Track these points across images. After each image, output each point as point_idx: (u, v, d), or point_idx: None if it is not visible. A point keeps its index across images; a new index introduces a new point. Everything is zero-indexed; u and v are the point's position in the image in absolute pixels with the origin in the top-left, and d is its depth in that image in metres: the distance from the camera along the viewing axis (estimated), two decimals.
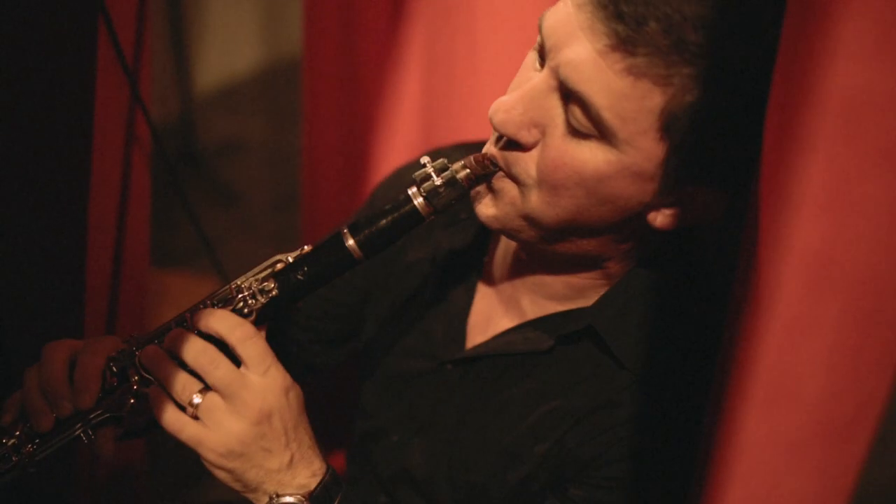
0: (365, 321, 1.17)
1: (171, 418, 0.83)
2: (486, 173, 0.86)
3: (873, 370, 0.51)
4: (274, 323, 1.13)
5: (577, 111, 0.78)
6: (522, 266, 0.99)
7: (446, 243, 1.07)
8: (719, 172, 0.80)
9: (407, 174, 1.14)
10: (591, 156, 0.79)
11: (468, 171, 0.85)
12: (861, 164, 0.47)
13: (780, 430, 0.52)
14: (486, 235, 1.05)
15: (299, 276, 0.86)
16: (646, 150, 0.78)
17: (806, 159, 0.47)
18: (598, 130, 0.78)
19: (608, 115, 0.76)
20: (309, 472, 0.87)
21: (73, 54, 1.07)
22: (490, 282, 1.04)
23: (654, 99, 0.75)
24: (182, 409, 0.84)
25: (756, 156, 0.70)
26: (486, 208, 0.89)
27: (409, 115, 1.64)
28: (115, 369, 0.87)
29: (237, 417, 0.82)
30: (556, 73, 0.79)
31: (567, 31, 0.77)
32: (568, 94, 0.79)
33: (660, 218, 0.84)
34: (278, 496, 0.85)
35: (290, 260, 0.88)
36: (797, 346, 0.50)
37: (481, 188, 0.89)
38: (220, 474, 0.84)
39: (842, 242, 0.48)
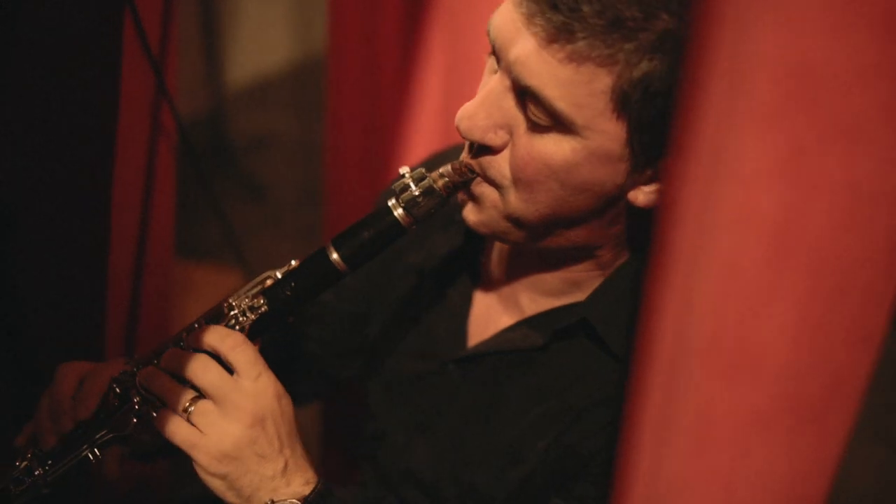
0: (368, 325, 1.17)
1: (166, 423, 0.84)
2: (463, 180, 0.87)
3: (842, 345, 0.50)
4: (287, 342, 1.15)
5: (533, 106, 0.79)
6: (518, 264, 1.00)
7: (444, 245, 1.08)
8: None
9: (444, 158, 1.14)
10: (556, 147, 0.80)
11: (446, 179, 0.86)
12: (818, 137, 0.47)
13: (742, 404, 0.51)
14: (481, 235, 1.06)
15: (287, 292, 0.88)
16: (607, 132, 0.79)
17: (761, 130, 0.47)
18: (557, 121, 0.79)
19: (562, 105, 0.77)
20: (303, 480, 0.87)
21: (98, 44, 1.08)
22: (488, 281, 1.05)
23: (602, 80, 0.76)
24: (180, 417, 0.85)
25: None
26: (470, 215, 0.91)
27: (431, 113, 1.66)
28: (118, 390, 0.90)
29: (230, 420, 0.83)
30: (508, 72, 0.81)
31: (511, 30, 0.79)
32: (523, 92, 0.80)
33: (641, 196, 0.85)
34: (273, 503, 0.85)
35: (279, 276, 0.90)
36: (759, 318, 0.50)
37: (465, 196, 0.90)
38: (215, 482, 0.84)
39: (802, 214, 0.48)
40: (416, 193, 0.86)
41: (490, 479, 0.98)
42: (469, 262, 1.06)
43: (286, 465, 0.85)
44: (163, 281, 1.40)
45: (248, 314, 0.88)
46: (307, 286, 0.89)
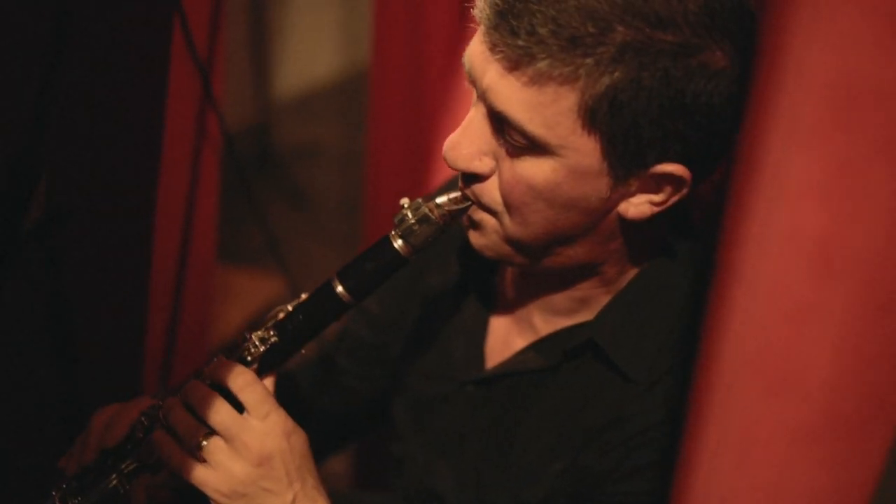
0: (389, 349, 1.19)
1: (179, 461, 0.87)
2: (460, 209, 0.89)
3: (885, 361, 0.49)
4: (325, 379, 1.17)
5: (510, 131, 0.81)
6: (528, 284, 1.01)
7: (460, 267, 1.10)
8: (666, 147, 0.80)
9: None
10: (536, 169, 0.82)
11: (443, 208, 0.89)
12: (861, 152, 0.46)
13: (785, 422, 0.51)
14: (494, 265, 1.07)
15: (296, 324, 0.92)
16: (581, 149, 0.80)
17: (804, 147, 0.46)
18: (533, 143, 0.80)
19: (532, 128, 0.79)
20: None
21: (147, 51, 1.10)
22: (504, 302, 1.06)
23: (567, 98, 0.77)
24: (192, 453, 0.88)
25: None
26: (475, 240, 0.93)
27: None
28: (145, 422, 0.93)
29: (238, 459, 0.86)
30: (483, 100, 0.83)
31: (480, 61, 0.81)
32: (498, 118, 0.82)
33: (631, 209, 0.85)
34: None
35: (290, 309, 0.93)
36: (801, 336, 0.49)
37: (467, 223, 0.93)
38: None
39: (844, 231, 0.47)
40: (413, 222, 0.88)
41: (509, 501, 0.98)
42: (484, 283, 1.08)
43: (294, 499, 0.87)
44: (204, 284, 1.42)
45: (259, 346, 0.92)
46: (315, 318, 0.92)
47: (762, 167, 0.49)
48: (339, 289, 0.90)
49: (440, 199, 0.89)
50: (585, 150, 0.80)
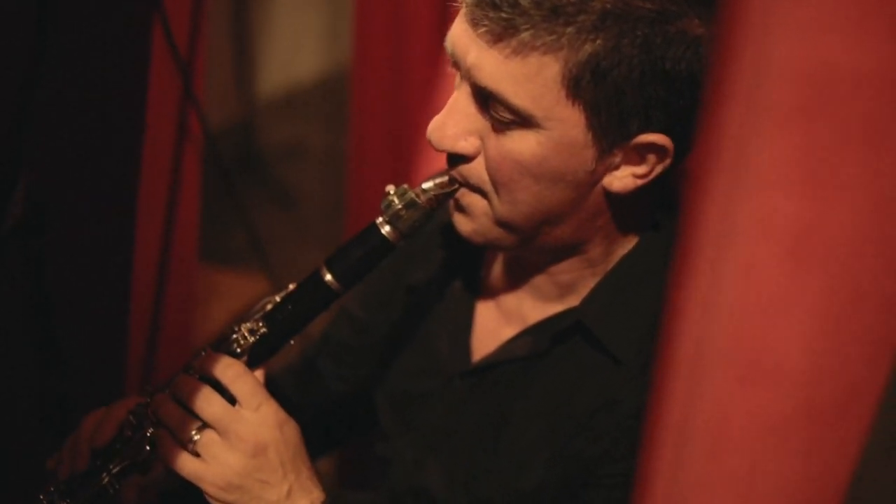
0: (373, 351, 1.19)
1: (173, 456, 0.87)
2: (446, 192, 0.89)
3: (860, 351, 0.50)
4: (310, 386, 1.17)
5: (496, 107, 0.82)
6: (515, 272, 1.01)
7: (444, 262, 1.10)
8: (648, 116, 0.82)
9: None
10: (523, 144, 0.83)
11: (429, 193, 0.88)
12: (838, 141, 0.46)
13: (758, 412, 0.51)
14: (480, 249, 1.07)
15: (286, 315, 0.91)
16: (566, 119, 0.81)
17: (780, 134, 0.47)
18: (518, 117, 0.82)
19: (518, 101, 0.80)
20: (307, 501, 0.89)
21: (127, 49, 1.10)
22: (490, 293, 1.06)
23: (550, 68, 0.79)
24: (185, 448, 0.87)
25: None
26: (462, 225, 0.93)
27: None
28: (133, 420, 0.93)
29: (233, 451, 0.85)
30: (467, 79, 0.84)
31: (464, 40, 0.82)
32: (483, 94, 0.83)
33: (615, 182, 0.86)
34: None
35: (278, 300, 0.92)
36: (775, 325, 0.49)
37: (455, 208, 0.93)
38: None
39: (820, 220, 0.47)
40: (399, 207, 0.88)
41: (500, 492, 0.98)
42: (469, 276, 1.08)
43: (290, 490, 0.87)
44: (187, 285, 1.42)
45: (248, 337, 0.91)
46: (304, 307, 0.92)
47: (738, 154, 0.49)
48: (328, 277, 0.89)
49: (426, 185, 0.89)
50: (570, 120, 0.81)
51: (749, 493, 0.54)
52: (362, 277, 0.91)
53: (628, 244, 0.95)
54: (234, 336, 0.92)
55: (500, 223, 0.89)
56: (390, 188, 0.89)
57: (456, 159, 0.89)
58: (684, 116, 0.82)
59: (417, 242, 1.13)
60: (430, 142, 0.88)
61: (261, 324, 0.91)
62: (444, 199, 0.89)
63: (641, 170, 0.85)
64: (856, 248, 0.48)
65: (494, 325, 1.04)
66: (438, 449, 1.06)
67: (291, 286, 0.93)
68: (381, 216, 0.89)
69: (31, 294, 1.12)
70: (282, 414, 0.88)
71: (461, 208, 0.92)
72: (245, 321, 0.93)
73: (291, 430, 0.89)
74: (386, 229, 0.88)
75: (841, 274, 0.48)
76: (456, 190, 0.89)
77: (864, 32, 0.45)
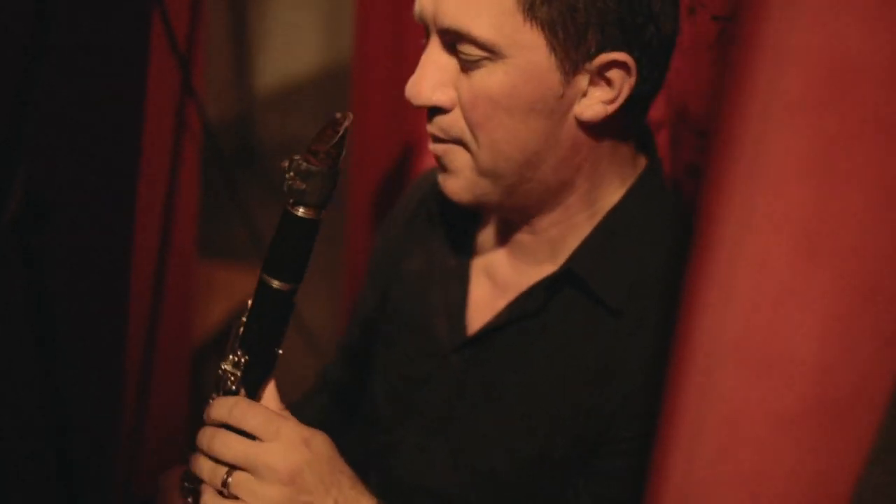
0: (371, 341, 1.19)
1: None
2: (337, 142, 0.82)
3: (870, 345, 0.50)
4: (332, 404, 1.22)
5: (463, 46, 0.86)
6: (506, 239, 1.02)
7: (439, 242, 1.10)
8: (605, 33, 0.84)
9: (425, 180, 1.18)
10: (492, 78, 0.86)
11: (319, 151, 0.82)
12: (851, 133, 0.46)
13: (768, 407, 0.51)
14: (469, 226, 1.09)
15: (258, 334, 0.88)
16: (528, 45, 0.84)
17: (792, 125, 0.46)
18: (485, 51, 0.85)
19: (481, 32, 0.83)
20: None
21: (126, 43, 1.09)
22: (483, 267, 1.07)
23: None
24: (222, 495, 0.86)
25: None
26: (449, 185, 0.94)
27: None
28: (189, 486, 0.93)
29: (267, 484, 0.84)
30: (435, 29, 0.88)
31: None
32: (449, 37, 0.87)
33: (586, 111, 0.88)
34: None
35: (244, 320, 0.90)
36: (786, 319, 0.49)
37: (441, 169, 0.95)
38: None
39: (832, 212, 0.47)
40: (300, 182, 0.82)
41: (506, 462, 0.98)
42: (463, 253, 1.09)
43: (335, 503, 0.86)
44: (185, 279, 1.42)
45: (235, 372, 0.89)
46: (270, 320, 0.88)
47: (754, 146, 0.49)
48: (275, 284, 0.86)
49: (315, 146, 0.82)
50: (531, 44, 0.84)
51: (760, 486, 0.54)
52: (306, 265, 0.87)
53: (614, 194, 0.96)
54: (223, 375, 0.90)
55: (484, 172, 0.91)
56: (285, 165, 0.83)
57: (434, 112, 0.91)
58: (641, 32, 0.85)
59: (413, 229, 1.14)
60: (409, 100, 0.90)
61: (240, 353, 0.89)
62: (339, 152, 0.83)
63: (609, 94, 0.87)
64: (868, 241, 0.48)
65: (490, 297, 1.04)
66: (441, 431, 1.05)
67: (249, 302, 0.89)
68: (288, 199, 0.84)
69: (28, 289, 1.12)
70: (304, 430, 0.86)
71: (445, 167, 0.94)
72: (226, 357, 0.91)
73: (319, 442, 0.87)
74: (300, 211, 0.83)
75: (853, 267, 0.48)
76: (343, 137, 0.83)
77: (879, 23, 0.44)
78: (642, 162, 0.98)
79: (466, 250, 1.09)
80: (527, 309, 0.97)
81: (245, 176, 3.36)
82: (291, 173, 0.82)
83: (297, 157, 0.81)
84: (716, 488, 0.55)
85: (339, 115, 0.83)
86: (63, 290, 1.17)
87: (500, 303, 1.02)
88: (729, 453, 0.53)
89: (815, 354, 0.50)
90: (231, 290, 2.19)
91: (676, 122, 1.11)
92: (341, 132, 0.82)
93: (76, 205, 1.14)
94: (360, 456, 1.00)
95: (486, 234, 1.07)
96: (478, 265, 1.07)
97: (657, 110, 1.17)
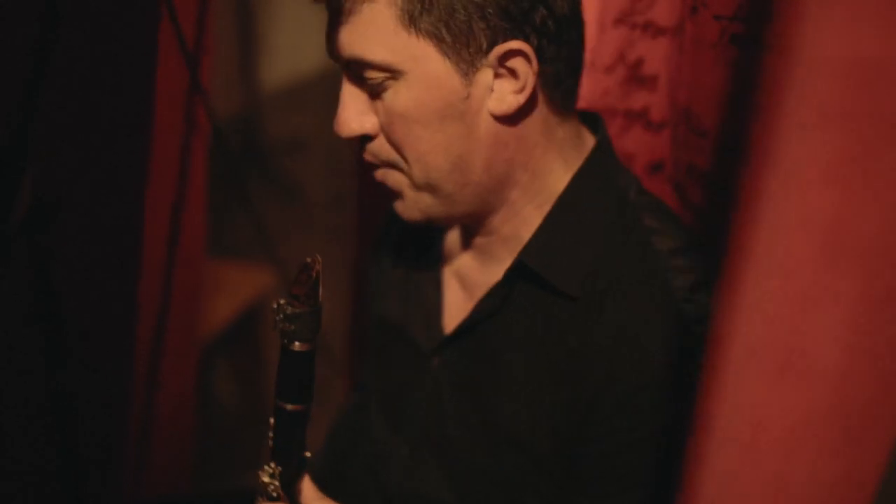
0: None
1: None
2: (312, 282, 0.88)
3: (893, 348, 0.50)
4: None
5: (366, 73, 0.88)
6: (468, 244, 1.03)
7: (413, 254, 1.12)
8: (491, 26, 0.85)
9: None
10: (398, 96, 0.88)
11: (300, 295, 0.88)
12: (874, 137, 0.46)
13: (792, 408, 0.52)
14: (438, 233, 1.09)
15: (285, 446, 0.96)
16: (421, 56, 0.86)
17: (817, 130, 0.46)
18: (385, 73, 0.87)
19: (374, 56, 0.86)
20: None
21: (135, 41, 1.09)
22: (453, 272, 1.08)
23: (384, 13, 0.85)
24: None
25: None
26: (401, 209, 0.96)
27: None
28: None
29: None
30: (342, 64, 0.91)
31: (327, 31, 0.90)
32: (356, 70, 0.89)
33: (497, 105, 0.88)
34: None
35: (271, 436, 0.96)
36: (811, 322, 0.50)
37: (391, 194, 0.96)
38: None
39: (855, 216, 0.47)
40: (288, 325, 0.89)
41: (493, 460, 0.98)
42: (434, 262, 1.10)
43: None
44: (193, 276, 1.42)
45: (273, 481, 0.96)
46: (292, 434, 0.96)
47: (774, 151, 0.49)
48: (289, 407, 0.93)
49: (294, 290, 0.88)
50: (424, 55, 0.86)
51: (783, 487, 0.54)
52: (312, 386, 0.93)
53: (559, 180, 0.95)
54: (264, 486, 0.96)
55: (421, 187, 0.92)
56: (273, 307, 0.90)
57: (364, 141, 0.93)
58: (530, 18, 0.85)
59: (393, 238, 1.15)
60: (337, 134, 0.93)
61: (273, 464, 0.96)
62: (314, 289, 0.88)
63: (516, 84, 0.87)
64: (889, 244, 0.48)
65: (462, 300, 1.05)
66: (429, 435, 1.06)
67: (271, 420, 0.96)
68: (283, 339, 0.90)
69: (38, 288, 1.12)
70: None
71: (393, 194, 0.96)
72: (261, 470, 0.97)
73: None
74: (296, 346, 0.90)
75: (875, 271, 0.48)
76: (317, 280, 0.88)
77: None
78: (590, 142, 0.97)
79: (438, 256, 1.10)
80: (489, 308, 0.98)
81: (252, 174, 3.36)
82: (280, 316, 0.89)
83: (282, 301, 0.89)
84: (739, 487, 0.55)
85: (309, 259, 0.88)
86: (71, 290, 1.17)
87: (470, 305, 1.03)
88: (752, 453, 0.53)
89: (836, 357, 0.50)
90: (237, 287, 2.19)
91: (677, 122, 1.11)
92: (315, 276, 0.88)
93: (84, 205, 1.15)
94: (360, 464, 1.02)
95: (453, 239, 1.08)
96: (449, 270, 1.08)
97: (658, 110, 1.16)
